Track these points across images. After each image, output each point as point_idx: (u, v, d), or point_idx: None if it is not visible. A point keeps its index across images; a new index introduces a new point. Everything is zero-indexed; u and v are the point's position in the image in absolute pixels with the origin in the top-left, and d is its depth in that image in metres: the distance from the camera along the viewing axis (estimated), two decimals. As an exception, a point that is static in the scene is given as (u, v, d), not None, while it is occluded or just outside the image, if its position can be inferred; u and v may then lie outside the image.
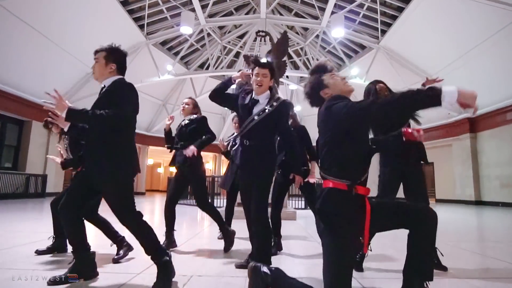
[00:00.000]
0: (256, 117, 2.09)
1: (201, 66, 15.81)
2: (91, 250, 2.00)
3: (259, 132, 2.12)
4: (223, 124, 19.70)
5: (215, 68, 14.21)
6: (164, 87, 16.05)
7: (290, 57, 15.18)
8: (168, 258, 1.84)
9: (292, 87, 15.27)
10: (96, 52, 1.95)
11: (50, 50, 10.35)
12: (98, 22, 10.73)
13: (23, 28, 9.11)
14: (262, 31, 9.33)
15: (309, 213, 6.93)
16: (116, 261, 2.38)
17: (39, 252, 2.58)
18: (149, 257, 1.85)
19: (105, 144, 1.80)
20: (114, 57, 1.94)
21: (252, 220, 2.11)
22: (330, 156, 1.33)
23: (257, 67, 2.14)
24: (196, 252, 2.90)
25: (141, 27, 12.06)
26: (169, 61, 13.65)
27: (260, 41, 13.38)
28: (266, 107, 2.12)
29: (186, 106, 3.28)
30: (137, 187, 17.59)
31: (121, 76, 1.95)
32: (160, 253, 1.83)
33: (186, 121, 3.18)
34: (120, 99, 1.81)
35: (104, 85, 1.92)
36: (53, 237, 2.66)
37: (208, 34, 13.43)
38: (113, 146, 1.81)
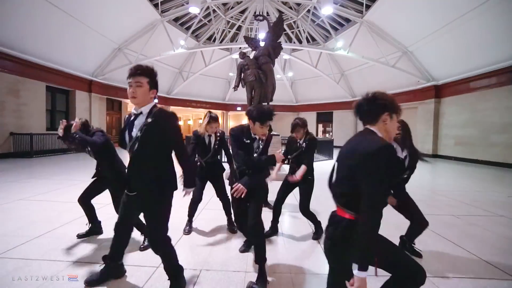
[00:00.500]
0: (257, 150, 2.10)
1: (209, 38, 15.57)
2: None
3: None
4: (228, 87, 20.04)
5: (221, 42, 14.06)
6: (179, 57, 16.06)
7: (283, 31, 14.74)
8: (180, 272, 1.78)
9: (285, 57, 15.17)
10: (136, 74, 1.57)
11: (85, 32, 10.61)
12: (119, 3, 10.57)
13: (62, 15, 9.31)
14: (260, 15, 9.13)
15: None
16: (143, 249, 2.37)
17: (79, 236, 2.58)
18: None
19: (154, 169, 1.62)
20: (155, 83, 1.65)
21: (249, 228, 2.03)
22: (341, 188, 1.23)
23: (260, 123, 2.01)
24: (205, 234, 2.89)
25: (156, 6, 11.84)
26: (182, 35, 13.53)
27: (258, 22, 12.99)
28: (260, 142, 2.13)
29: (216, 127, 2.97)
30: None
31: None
32: (176, 271, 1.75)
33: (214, 140, 2.99)
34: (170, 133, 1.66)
35: (141, 112, 1.64)
36: (89, 224, 2.66)
37: (214, 10, 13.08)
38: (161, 171, 1.64)
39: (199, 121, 28.57)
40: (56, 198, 4.00)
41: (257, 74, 6.31)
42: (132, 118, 1.65)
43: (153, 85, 1.62)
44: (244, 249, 2.44)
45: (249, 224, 1.99)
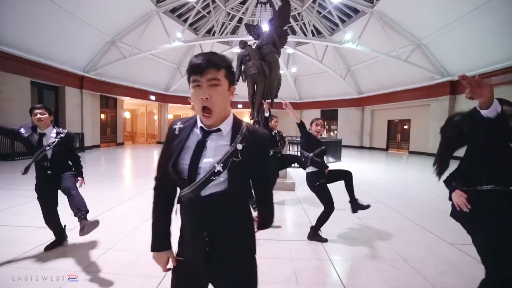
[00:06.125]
0: None
1: (209, 32, 14.72)
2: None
3: None
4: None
5: (220, 34, 13.21)
6: (177, 52, 15.23)
7: (288, 22, 13.84)
8: None
9: (289, 51, 14.30)
10: (211, 67, 0.82)
11: (73, 23, 9.72)
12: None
13: (48, 5, 8.56)
14: None
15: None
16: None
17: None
18: None
19: None
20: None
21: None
22: None
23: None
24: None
25: (150, -5, 11.02)
26: (179, 27, 12.70)
27: (261, 7, 12.13)
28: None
29: None
30: (160, 138, 18.06)
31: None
32: None
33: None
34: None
35: (219, 129, 0.90)
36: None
37: (213, 1, 12.22)
38: None
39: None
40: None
41: (260, 66, 5.49)
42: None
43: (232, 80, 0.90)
44: None
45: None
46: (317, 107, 19.72)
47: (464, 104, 10.90)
